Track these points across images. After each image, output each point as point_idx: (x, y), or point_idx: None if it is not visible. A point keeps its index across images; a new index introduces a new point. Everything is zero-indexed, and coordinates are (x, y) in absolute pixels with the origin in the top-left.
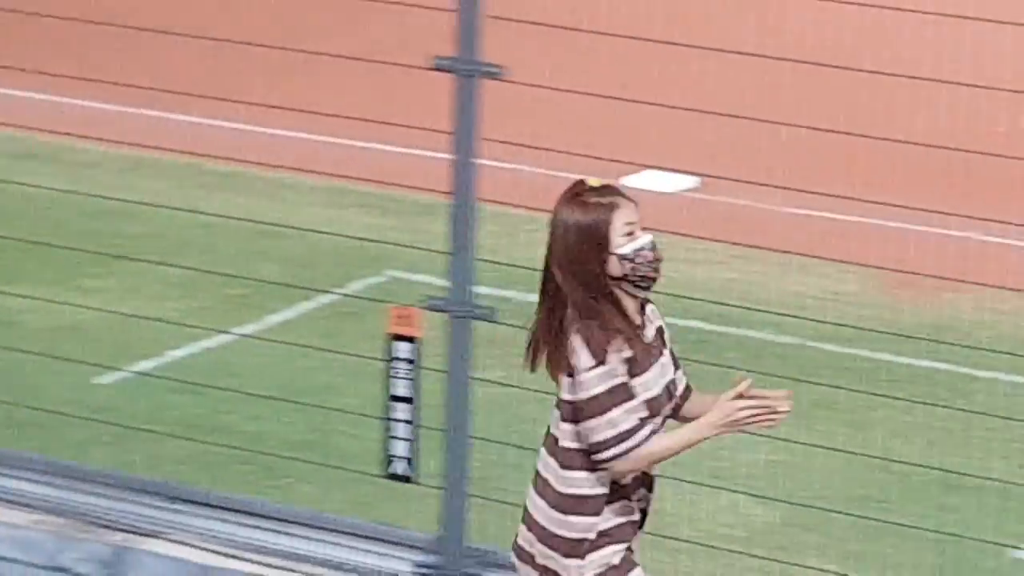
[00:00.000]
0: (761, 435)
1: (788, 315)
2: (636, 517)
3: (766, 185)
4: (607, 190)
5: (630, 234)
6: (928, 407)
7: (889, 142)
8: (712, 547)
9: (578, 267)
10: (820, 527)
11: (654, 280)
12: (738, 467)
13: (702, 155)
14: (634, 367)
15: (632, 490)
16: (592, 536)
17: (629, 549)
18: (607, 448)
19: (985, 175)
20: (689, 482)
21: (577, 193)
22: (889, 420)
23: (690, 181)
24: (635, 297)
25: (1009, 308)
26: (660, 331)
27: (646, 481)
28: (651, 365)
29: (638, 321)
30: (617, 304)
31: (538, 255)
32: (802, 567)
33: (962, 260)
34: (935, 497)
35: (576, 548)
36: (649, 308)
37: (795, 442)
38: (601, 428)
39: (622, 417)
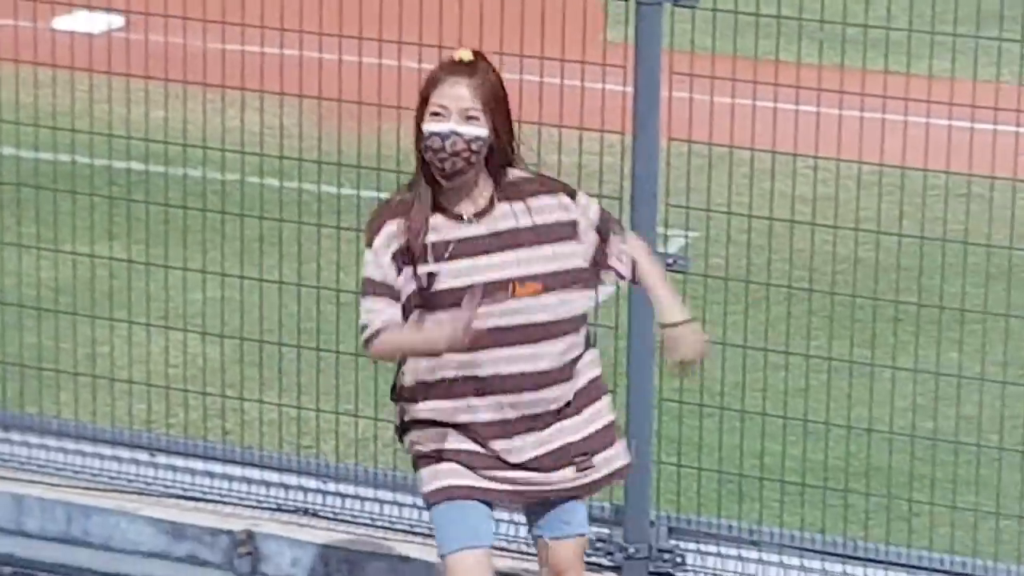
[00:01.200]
0: (205, 272)
1: (227, 150)
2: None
3: (193, 20)
4: (456, 66)
5: (436, 114)
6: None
7: None
8: (163, 387)
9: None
10: (268, 362)
11: (449, 171)
12: (183, 306)
13: None
14: (417, 256)
15: (456, 392)
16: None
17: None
18: (360, 334)
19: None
20: (137, 323)
21: (443, 59)
22: (332, 251)
23: (118, 20)
24: (454, 186)
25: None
26: (559, 222)
27: (480, 388)
28: (473, 255)
29: (462, 208)
30: (430, 183)
31: None
32: (254, 402)
33: (393, 88)
34: None
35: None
36: (536, 202)
37: (240, 277)
38: (361, 314)
39: (367, 305)
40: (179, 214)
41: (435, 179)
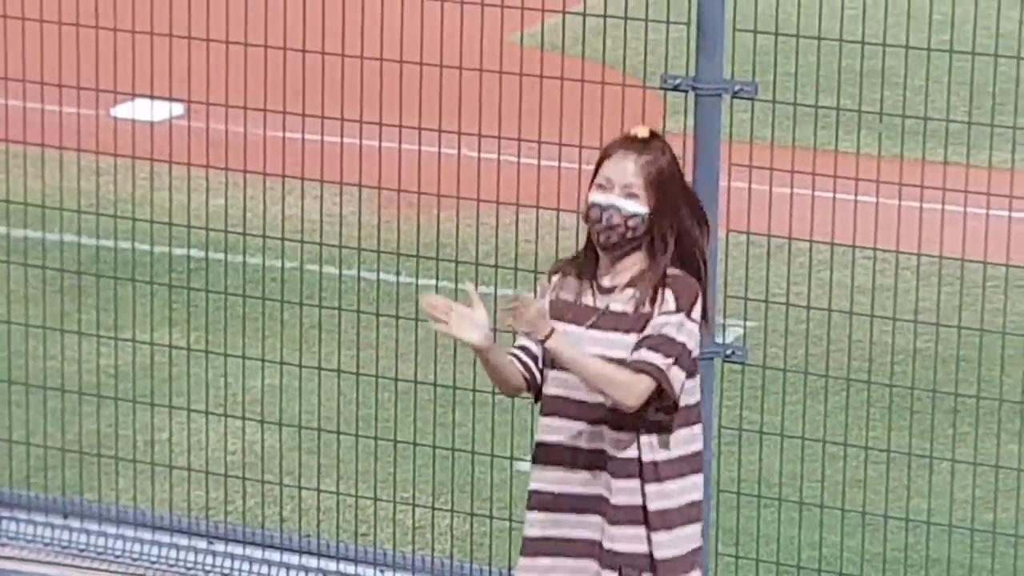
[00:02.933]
0: (264, 360)
1: (286, 239)
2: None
3: (253, 109)
4: (630, 142)
5: (601, 186)
6: (427, 324)
7: (378, 61)
8: (221, 474)
9: None
10: (325, 449)
11: (603, 243)
12: (241, 393)
13: (187, 81)
14: (552, 311)
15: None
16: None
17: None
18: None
19: (472, 92)
20: (195, 410)
21: (623, 134)
22: (389, 339)
23: (178, 108)
24: (610, 257)
25: (504, 223)
26: (641, 314)
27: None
28: (573, 322)
29: (605, 281)
30: (591, 250)
31: None
32: (311, 490)
33: (454, 177)
34: (439, 413)
35: None
36: (668, 293)
37: (296, 365)
38: None
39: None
40: (238, 301)
41: (594, 246)
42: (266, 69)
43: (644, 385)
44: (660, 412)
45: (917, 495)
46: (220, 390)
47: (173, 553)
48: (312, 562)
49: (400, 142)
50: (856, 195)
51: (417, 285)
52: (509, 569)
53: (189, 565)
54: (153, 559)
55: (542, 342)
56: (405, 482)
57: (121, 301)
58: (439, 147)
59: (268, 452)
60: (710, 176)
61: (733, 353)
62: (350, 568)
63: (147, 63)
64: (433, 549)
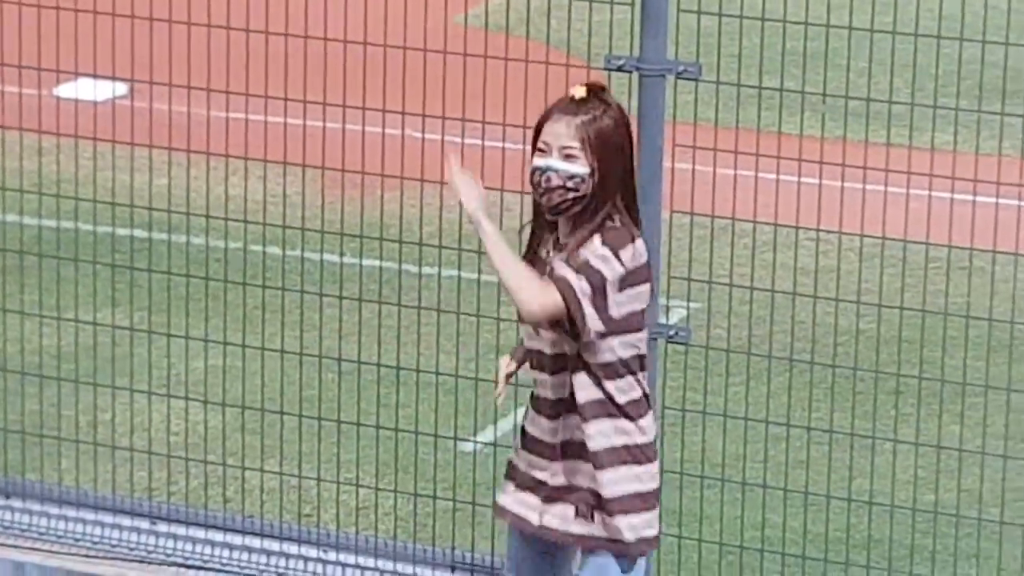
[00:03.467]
0: (207, 340)
1: (229, 219)
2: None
3: (196, 89)
4: (568, 103)
5: (540, 150)
6: (372, 305)
7: (322, 41)
8: (164, 455)
9: None
10: (268, 430)
11: (546, 205)
12: (185, 374)
13: (130, 61)
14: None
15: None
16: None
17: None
18: None
19: (417, 72)
20: (138, 391)
21: (562, 95)
22: (333, 320)
23: (121, 88)
24: (556, 219)
25: (449, 204)
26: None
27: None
28: None
29: (562, 239)
30: (538, 212)
31: None
32: (255, 470)
33: (398, 158)
34: (383, 394)
35: None
36: (596, 238)
37: (242, 345)
38: None
39: None
40: (182, 282)
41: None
42: (209, 49)
43: (551, 298)
44: (568, 336)
45: (859, 475)
46: (163, 371)
47: (116, 534)
48: (255, 543)
49: (344, 122)
50: (799, 176)
51: (361, 266)
52: (453, 549)
53: (132, 546)
54: (95, 540)
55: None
56: (349, 463)
57: (64, 281)
58: (383, 128)
59: (211, 433)
60: (654, 157)
61: (676, 334)
62: (293, 548)
63: (90, 43)
64: (377, 530)
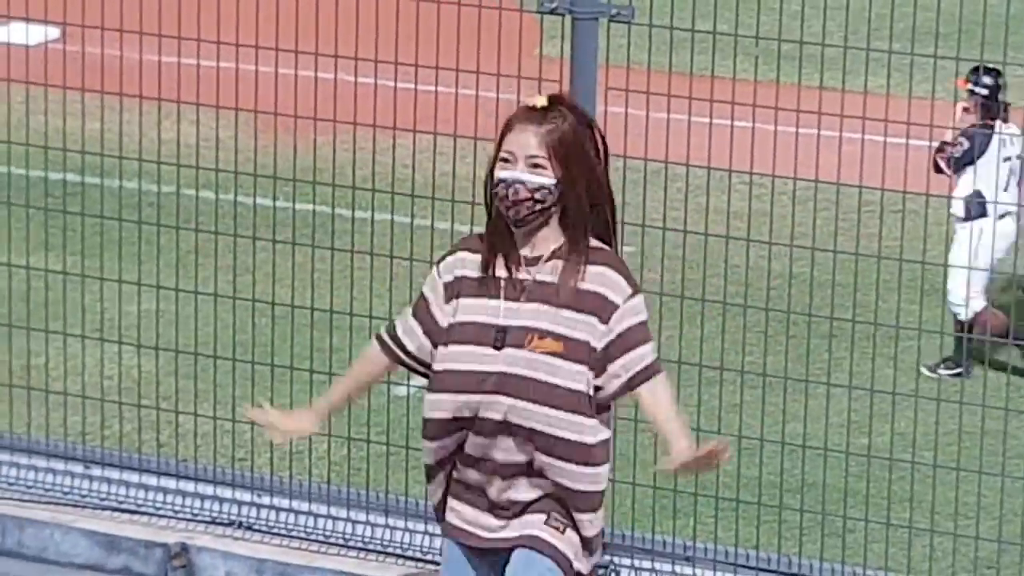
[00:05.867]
0: (140, 285)
1: (163, 163)
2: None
3: (128, 32)
4: (528, 113)
5: (504, 160)
6: (305, 249)
7: None
8: (97, 399)
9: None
10: (202, 374)
11: (513, 218)
12: (118, 318)
13: (63, 4)
14: (462, 288)
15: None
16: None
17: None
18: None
19: (349, 15)
20: (71, 335)
21: (522, 105)
22: (267, 264)
23: (54, 32)
24: (523, 232)
25: (381, 148)
26: (573, 288)
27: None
28: (492, 296)
29: (526, 252)
30: (497, 224)
31: None
32: (188, 414)
33: (330, 102)
34: (316, 338)
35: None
36: (593, 270)
37: (175, 289)
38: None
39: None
40: (114, 226)
41: (501, 220)
42: None
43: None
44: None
45: (793, 419)
46: (97, 315)
47: (50, 478)
48: (189, 486)
49: (276, 66)
50: (732, 120)
51: (294, 210)
52: (387, 493)
53: (66, 489)
54: (29, 483)
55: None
56: (282, 407)
57: None
58: (315, 71)
59: (145, 377)
60: (587, 101)
61: None
62: (227, 492)
63: None
64: (310, 474)
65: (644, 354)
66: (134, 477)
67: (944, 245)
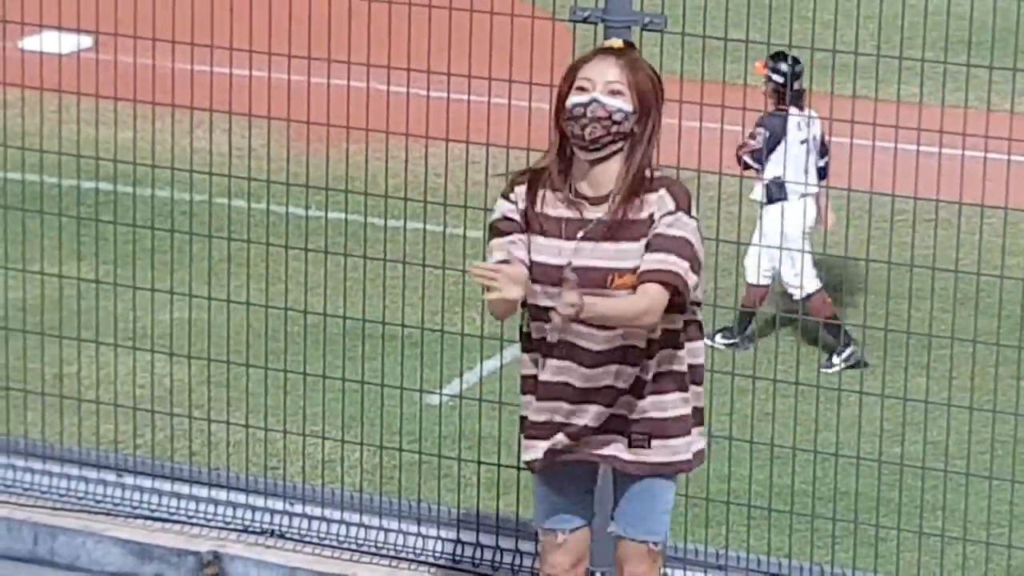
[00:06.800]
0: (172, 293)
1: (195, 171)
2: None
3: (161, 41)
4: (603, 50)
5: (580, 88)
6: (338, 257)
7: None
8: (130, 408)
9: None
10: (234, 383)
11: (588, 138)
12: (150, 327)
13: (95, 13)
14: (530, 224)
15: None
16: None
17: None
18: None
19: (382, 24)
20: (104, 343)
21: (596, 47)
22: (299, 273)
23: (87, 41)
24: (592, 160)
25: (413, 156)
26: (634, 220)
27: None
28: (558, 236)
29: (585, 190)
30: (562, 158)
31: None
32: (220, 423)
33: (363, 111)
34: (348, 347)
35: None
36: (651, 197)
37: (207, 298)
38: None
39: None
40: (147, 235)
41: (568, 157)
42: (174, 2)
43: (660, 299)
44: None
45: (825, 428)
46: (129, 324)
47: (82, 486)
48: (221, 495)
49: (309, 75)
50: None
51: (326, 219)
52: (419, 502)
53: (98, 498)
54: (62, 492)
55: (577, 319)
56: (315, 415)
57: (29, 234)
58: (348, 80)
59: (177, 386)
60: None
61: None
62: (259, 501)
63: None
64: (342, 482)
65: (665, 259)
66: (166, 485)
67: (978, 255)
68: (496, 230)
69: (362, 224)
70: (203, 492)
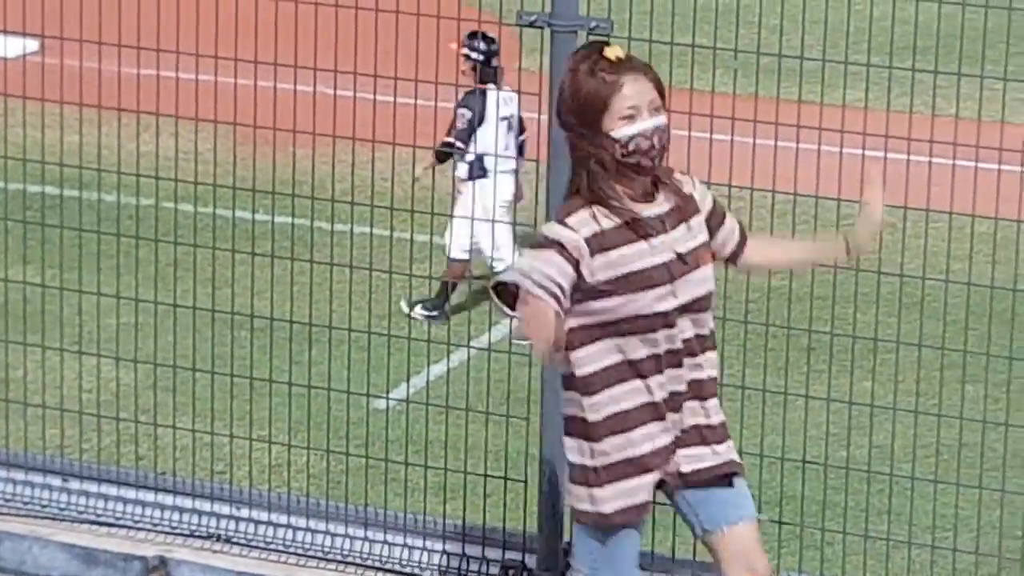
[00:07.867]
0: (119, 297)
1: (142, 175)
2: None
3: (107, 44)
4: (621, 64)
5: (628, 117)
6: (285, 262)
7: None
8: (76, 412)
9: (575, 139)
10: (181, 387)
11: (653, 166)
12: (97, 331)
13: (41, 17)
14: (605, 241)
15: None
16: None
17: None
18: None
19: (328, 28)
20: (50, 348)
21: (593, 61)
22: (245, 277)
23: (32, 44)
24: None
25: (360, 161)
26: (680, 204)
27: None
28: (647, 236)
29: (634, 202)
30: (597, 182)
31: None
32: (167, 427)
33: (309, 114)
34: (295, 351)
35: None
36: (678, 176)
37: (152, 303)
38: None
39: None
40: (93, 239)
41: (608, 179)
42: (120, 5)
43: None
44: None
45: (772, 432)
46: (75, 328)
47: (28, 491)
48: (167, 499)
49: (256, 79)
50: (711, 133)
51: (273, 223)
52: (366, 506)
53: (44, 502)
54: (7, 496)
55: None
56: (261, 420)
57: None
58: (295, 84)
59: (123, 390)
60: None
61: None
62: (206, 506)
63: None
64: (289, 486)
65: (735, 221)
66: (112, 490)
67: (923, 259)
68: (559, 246)
69: (309, 228)
70: (149, 497)
